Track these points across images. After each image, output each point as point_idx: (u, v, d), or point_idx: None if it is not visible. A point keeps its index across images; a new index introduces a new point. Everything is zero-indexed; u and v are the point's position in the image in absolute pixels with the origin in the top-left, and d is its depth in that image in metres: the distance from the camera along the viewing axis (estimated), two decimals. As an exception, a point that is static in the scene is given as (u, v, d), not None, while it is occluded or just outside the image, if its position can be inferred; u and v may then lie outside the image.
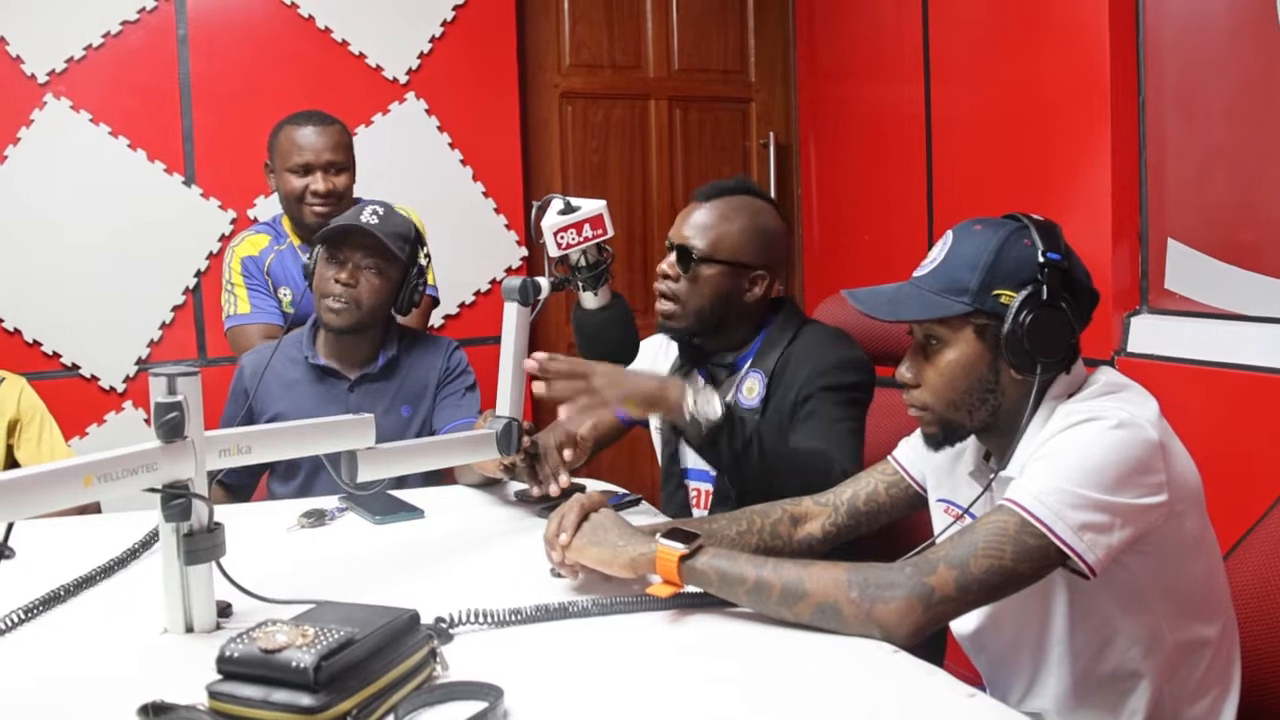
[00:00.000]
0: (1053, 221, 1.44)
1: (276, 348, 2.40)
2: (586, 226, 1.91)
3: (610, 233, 1.93)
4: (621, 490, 2.14)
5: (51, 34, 3.28)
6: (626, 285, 3.98)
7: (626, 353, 2.06)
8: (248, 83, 3.45)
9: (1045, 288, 1.38)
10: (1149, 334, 2.67)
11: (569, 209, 1.90)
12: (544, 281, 1.95)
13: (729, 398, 2.10)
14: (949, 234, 1.46)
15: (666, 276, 2.09)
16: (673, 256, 2.08)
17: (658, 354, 2.27)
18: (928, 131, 3.41)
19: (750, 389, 2.08)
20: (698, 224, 2.09)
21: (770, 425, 2.02)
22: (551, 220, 1.90)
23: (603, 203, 1.92)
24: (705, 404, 1.80)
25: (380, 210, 2.35)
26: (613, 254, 1.99)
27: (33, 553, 1.73)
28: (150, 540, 1.75)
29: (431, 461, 1.92)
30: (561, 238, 1.90)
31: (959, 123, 3.29)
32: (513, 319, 1.94)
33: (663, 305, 2.10)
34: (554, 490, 1.93)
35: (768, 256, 2.10)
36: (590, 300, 1.99)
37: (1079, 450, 1.32)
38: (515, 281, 1.94)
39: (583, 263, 1.95)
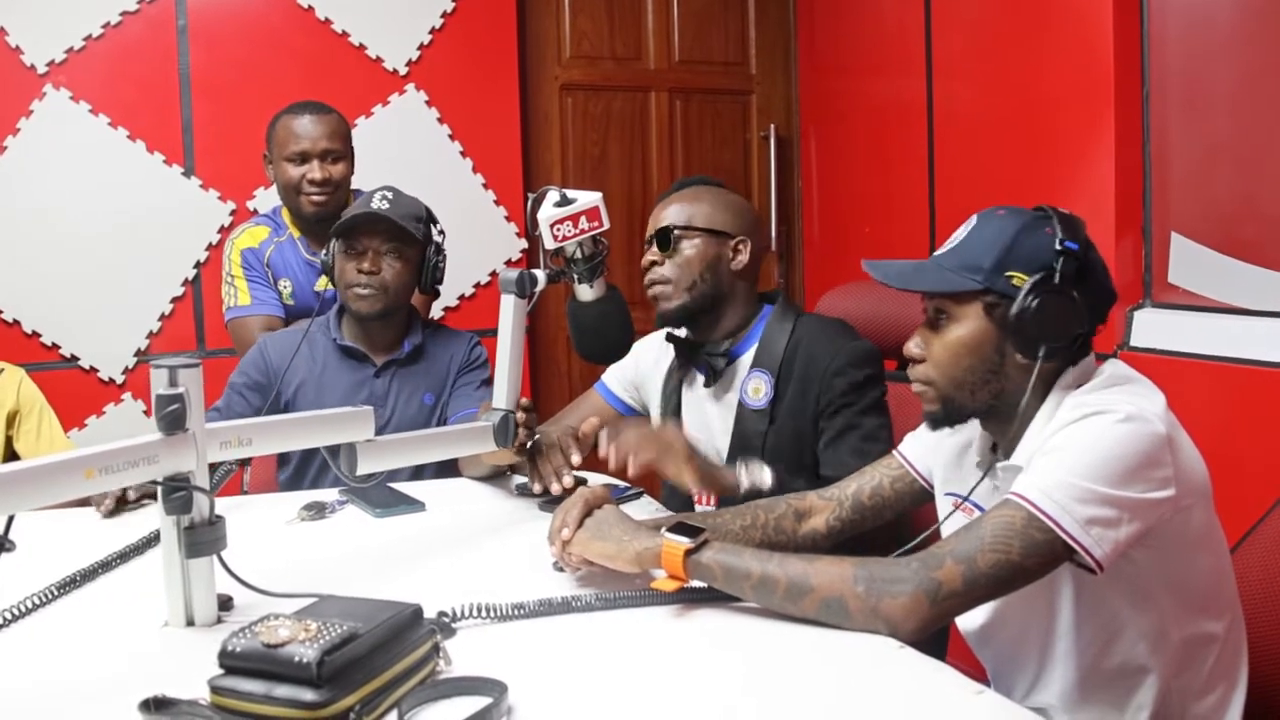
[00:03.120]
0: (1078, 217, 1.44)
1: (306, 330, 2.40)
2: (582, 219, 1.91)
3: (606, 225, 1.92)
4: (623, 483, 2.13)
5: (51, 24, 3.27)
6: (626, 277, 3.94)
7: (621, 345, 2.07)
8: (247, 74, 3.44)
9: (1058, 274, 1.38)
10: (1152, 328, 2.66)
11: (565, 201, 1.90)
12: (540, 274, 1.96)
13: (734, 398, 2.09)
14: (973, 217, 1.47)
15: (654, 264, 2.12)
16: (654, 246, 2.12)
17: (658, 358, 2.26)
18: (929, 124, 3.39)
19: (756, 389, 2.06)
20: (669, 210, 2.15)
21: (785, 431, 2.02)
22: (547, 212, 1.90)
23: (598, 195, 1.92)
24: (758, 473, 1.89)
25: (389, 195, 2.35)
26: (608, 246, 1.99)
27: (33, 545, 1.72)
28: (152, 540, 1.74)
29: (429, 454, 1.92)
30: (557, 230, 1.90)
31: (961, 116, 3.28)
32: (509, 311, 1.95)
33: (654, 290, 2.11)
34: (556, 488, 1.92)
35: (743, 223, 2.14)
36: (586, 292, 1.99)
37: (1086, 444, 1.32)
38: (512, 274, 1.94)
39: (578, 255, 1.95)
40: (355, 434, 1.65)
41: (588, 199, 1.91)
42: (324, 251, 2.37)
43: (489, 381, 2.44)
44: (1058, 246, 1.39)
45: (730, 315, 2.13)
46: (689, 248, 2.09)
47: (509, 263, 3.79)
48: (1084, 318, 1.40)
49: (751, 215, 2.19)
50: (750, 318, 2.14)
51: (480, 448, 1.94)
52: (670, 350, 2.22)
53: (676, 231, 2.10)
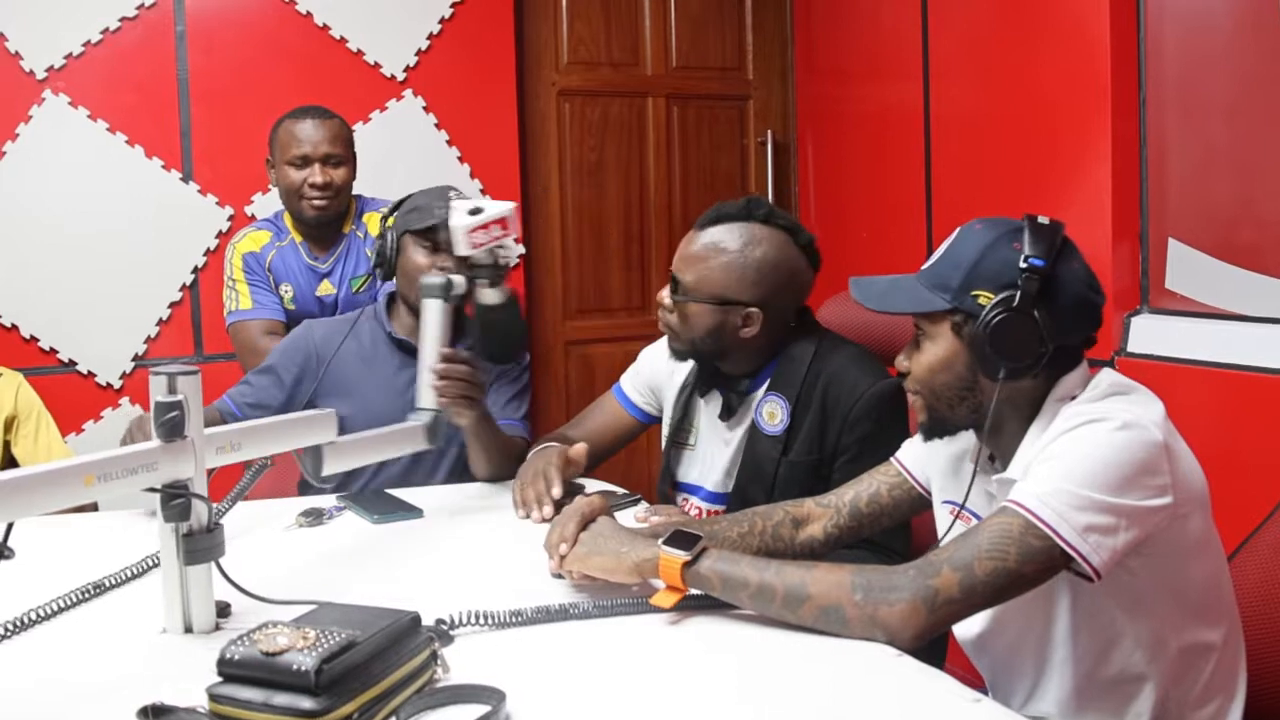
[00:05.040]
0: (1059, 226, 1.41)
1: (356, 320, 2.40)
2: (495, 227, 1.99)
3: (516, 233, 2.01)
4: (621, 490, 2.13)
5: (50, 30, 3.27)
6: (623, 283, 3.97)
7: (523, 346, 2.18)
8: (246, 79, 3.44)
9: (1019, 294, 1.37)
10: (1149, 334, 2.66)
11: (477, 211, 1.98)
12: (459, 279, 2.06)
13: (746, 418, 2.03)
14: (956, 230, 1.47)
15: (663, 305, 2.04)
16: (668, 287, 2.03)
17: (675, 365, 2.18)
18: (926, 129, 3.40)
19: (772, 414, 1.98)
20: (687, 256, 1.99)
21: (799, 463, 1.96)
22: (463, 221, 1.97)
23: (511, 205, 2.02)
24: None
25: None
26: (514, 253, 2.07)
27: (31, 552, 1.72)
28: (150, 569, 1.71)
29: (386, 452, 2.01)
30: (473, 238, 1.98)
31: (958, 121, 3.28)
32: (433, 314, 2.05)
33: (662, 327, 2.07)
34: (535, 518, 1.92)
35: (760, 292, 1.95)
36: (491, 296, 2.06)
37: (1083, 452, 1.32)
38: (437, 279, 2.06)
39: (488, 261, 2.02)
40: (325, 436, 1.69)
41: (499, 208, 2.00)
42: (379, 244, 2.32)
43: (522, 392, 2.41)
44: (1022, 264, 1.37)
45: (745, 362, 2.03)
46: (692, 311, 1.97)
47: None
48: (1047, 336, 1.37)
49: (776, 275, 1.96)
50: (772, 355, 2.03)
51: (412, 448, 2.03)
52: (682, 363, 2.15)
53: (680, 293, 1.98)
